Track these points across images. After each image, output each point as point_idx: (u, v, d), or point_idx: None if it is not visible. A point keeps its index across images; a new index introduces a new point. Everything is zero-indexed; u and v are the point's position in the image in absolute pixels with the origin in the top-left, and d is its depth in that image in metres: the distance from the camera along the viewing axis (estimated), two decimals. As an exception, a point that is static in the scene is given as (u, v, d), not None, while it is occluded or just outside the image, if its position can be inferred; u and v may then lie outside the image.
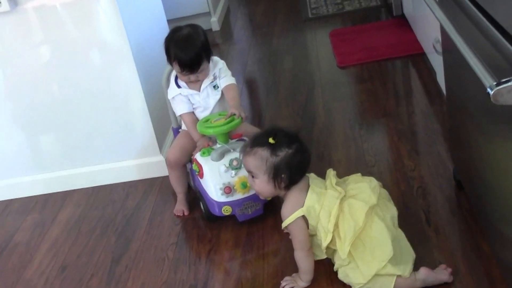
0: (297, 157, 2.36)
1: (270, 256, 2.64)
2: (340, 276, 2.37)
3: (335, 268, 2.39)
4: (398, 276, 2.26)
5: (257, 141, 2.42)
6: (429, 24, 3.63)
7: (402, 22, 4.89)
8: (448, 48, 2.48)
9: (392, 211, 2.41)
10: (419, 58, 4.24)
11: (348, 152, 3.28)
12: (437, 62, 3.57)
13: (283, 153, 2.35)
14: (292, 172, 2.37)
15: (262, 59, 4.97)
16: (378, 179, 2.55)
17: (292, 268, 2.48)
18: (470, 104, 2.22)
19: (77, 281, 2.74)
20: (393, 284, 2.26)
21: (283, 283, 2.43)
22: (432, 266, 2.30)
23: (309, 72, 4.48)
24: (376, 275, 2.26)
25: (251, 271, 2.58)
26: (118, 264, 2.79)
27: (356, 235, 2.27)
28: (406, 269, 2.27)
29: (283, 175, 2.35)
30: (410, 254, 2.34)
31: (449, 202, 2.71)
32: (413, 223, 2.61)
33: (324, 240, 2.33)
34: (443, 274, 2.28)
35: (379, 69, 4.26)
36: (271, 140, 2.35)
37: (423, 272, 2.28)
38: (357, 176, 2.48)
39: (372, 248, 2.27)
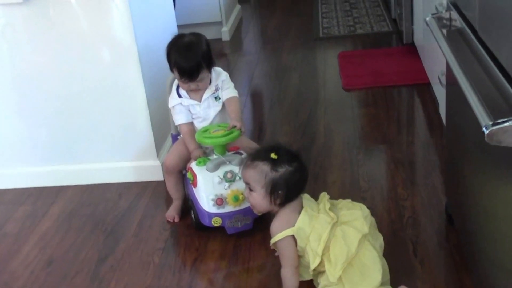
0: (296, 175, 2.38)
1: (254, 270, 2.65)
2: None
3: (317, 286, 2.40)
4: None
5: (259, 155, 2.43)
6: (436, 55, 3.64)
7: (412, 50, 4.91)
8: (452, 82, 2.49)
9: (380, 239, 2.43)
10: (424, 88, 4.26)
11: (343, 175, 3.28)
12: (441, 94, 3.58)
13: (283, 169, 2.36)
14: (289, 190, 2.38)
15: (269, 73, 4.99)
16: (370, 205, 2.56)
17: (276, 285, 2.49)
18: (467, 140, 2.23)
19: (62, 277, 2.74)
20: None
21: (264, 299, 2.43)
22: (414, 297, 2.31)
23: (314, 91, 4.49)
24: None
25: (234, 284, 2.58)
26: (104, 263, 2.80)
27: (349, 261, 2.28)
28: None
29: (280, 191, 2.37)
30: (388, 276, 2.36)
31: (438, 235, 2.71)
32: (399, 252, 2.62)
33: (313, 262, 2.33)
34: None
35: (384, 95, 4.28)
36: (273, 156, 2.37)
37: None
38: (347, 202, 2.49)
39: (362, 273, 2.28)
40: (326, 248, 2.30)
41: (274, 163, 2.37)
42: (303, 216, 2.35)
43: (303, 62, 5.14)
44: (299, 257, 2.42)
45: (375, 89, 4.39)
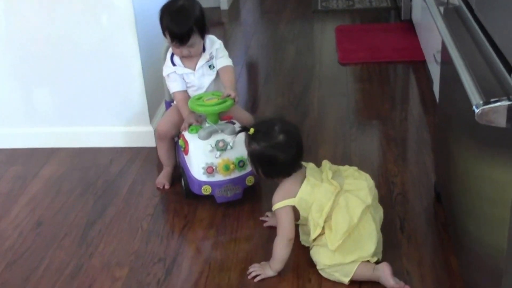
0: (265, 157, 2.39)
1: (242, 241, 2.66)
2: (312, 252, 2.41)
3: (310, 245, 2.43)
4: (364, 261, 2.31)
5: (254, 124, 2.48)
6: (433, 33, 3.64)
7: (409, 27, 4.90)
8: (446, 60, 2.48)
9: (380, 212, 2.46)
10: (420, 65, 4.25)
11: (335, 149, 3.29)
12: (435, 72, 3.58)
13: (254, 146, 2.40)
14: (265, 168, 2.42)
15: (266, 44, 4.98)
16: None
17: (262, 255, 2.50)
18: (458, 119, 2.23)
19: (50, 238, 2.75)
20: (354, 269, 2.30)
21: (250, 269, 2.44)
22: (398, 272, 2.32)
23: (309, 64, 4.48)
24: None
25: (221, 253, 2.59)
26: (92, 227, 2.80)
27: (350, 231, 2.30)
28: (374, 257, 2.33)
29: (257, 167, 2.41)
30: (381, 246, 2.38)
31: (426, 213, 2.73)
32: (387, 228, 2.62)
33: (313, 232, 2.36)
34: (399, 285, 2.27)
35: (379, 71, 4.27)
36: (251, 131, 2.39)
37: (384, 269, 2.29)
38: (354, 170, 2.49)
39: (356, 243, 2.31)
40: (328, 217, 2.32)
41: (250, 138, 2.41)
42: (304, 187, 2.37)
43: (300, 34, 5.12)
44: (302, 226, 2.45)
45: (371, 64, 4.38)
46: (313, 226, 2.35)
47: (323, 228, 2.33)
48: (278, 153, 2.36)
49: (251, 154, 2.42)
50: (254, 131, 2.40)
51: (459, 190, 2.24)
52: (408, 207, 2.77)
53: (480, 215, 1.92)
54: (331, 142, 3.36)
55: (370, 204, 2.35)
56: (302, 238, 2.51)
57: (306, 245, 2.51)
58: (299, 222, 2.43)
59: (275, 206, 2.38)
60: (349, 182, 2.40)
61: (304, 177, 2.39)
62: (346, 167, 2.52)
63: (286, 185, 2.41)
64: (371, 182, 2.45)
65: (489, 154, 1.81)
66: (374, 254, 2.32)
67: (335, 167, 2.48)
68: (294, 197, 2.36)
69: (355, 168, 2.51)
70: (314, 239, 2.41)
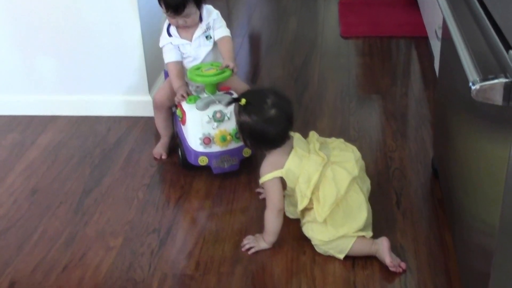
0: (257, 129, 2.36)
1: (238, 212, 2.66)
2: (305, 229, 2.40)
3: (302, 223, 2.42)
4: (360, 237, 2.30)
5: (244, 94, 2.46)
6: (435, 9, 3.61)
7: (412, 2, 4.87)
8: (447, 36, 2.46)
9: (367, 183, 2.46)
10: (422, 41, 4.23)
11: (333, 123, 3.28)
12: (437, 48, 3.55)
13: (244, 118, 2.37)
14: (254, 141, 2.40)
15: (268, 16, 4.95)
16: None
17: (257, 228, 2.50)
18: (456, 96, 2.22)
19: (45, 206, 2.75)
20: (352, 243, 2.31)
21: (244, 241, 2.44)
22: (392, 247, 2.31)
23: (311, 37, 4.46)
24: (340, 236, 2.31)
25: (216, 224, 2.59)
26: (88, 196, 2.80)
27: (337, 202, 2.29)
28: (369, 231, 2.33)
29: (245, 138, 2.40)
30: (371, 218, 2.38)
31: (422, 189, 2.72)
32: (383, 203, 2.63)
33: (301, 203, 2.35)
34: (394, 263, 2.27)
35: (381, 45, 4.25)
36: (242, 101, 2.37)
37: (383, 243, 2.29)
38: (340, 142, 2.49)
39: (347, 215, 2.30)
40: (315, 188, 2.31)
41: (240, 109, 2.38)
42: (292, 157, 2.35)
43: (303, 7, 5.09)
44: (288, 196, 2.44)
45: (373, 38, 4.36)
46: (300, 197, 2.34)
47: (311, 200, 2.33)
48: (268, 127, 2.33)
49: (241, 125, 2.40)
50: (246, 102, 2.37)
51: (456, 166, 2.23)
52: (405, 182, 2.77)
53: (475, 191, 1.92)
54: (330, 116, 3.34)
55: (357, 176, 2.35)
56: (288, 209, 2.50)
57: (291, 216, 2.51)
58: (286, 192, 2.41)
59: (263, 179, 2.37)
60: (336, 154, 2.39)
61: (292, 148, 2.37)
62: (333, 139, 2.51)
63: (273, 156, 2.39)
64: (358, 154, 2.44)
65: (485, 130, 1.80)
66: (365, 225, 2.32)
67: (321, 139, 2.47)
68: (282, 168, 2.35)
69: (342, 140, 2.51)
70: (303, 215, 2.41)
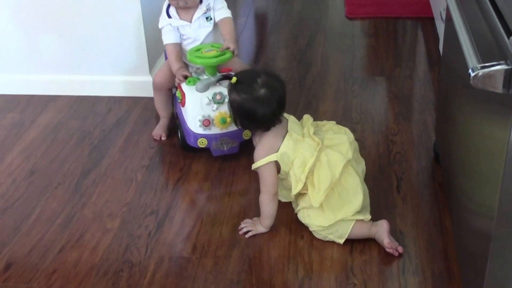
0: (245, 107, 2.34)
1: (236, 195, 2.64)
2: (300, 216, 2.39)
3: (297, 209, 2.40)
4: (358, 220, 2.29)
5: (238, 74, 2.45)
6: (442, -11, 3.57)
7: (419, -18, 4.81)
8: (451, 18, 2.42)
9: (362, 164, 2.44)
10: (428, 22, 4.18)
11: (336, 105, 3.24)
12: (442, 30, 3.51)
13: (234, 96, 2.36)
14: (243, 120, 2.38)
15: (272, -5, 4.90)
16: (359, 137, 2.52)
17: (255, 211, 2.47)
18: (458, 80, 2.18)
19: (43, 187, 2.73)
20: (351, 227, 2.29)
21: (242, 225, 2.42)
22: (391, 231, 2.29)
23: (316, 17, 4.41)
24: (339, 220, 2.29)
25: (214, 207, 2.57)
26: (87, 177, 2.78)
27: (332, 187, 2.27)
28: (367, 214, 2.31)
29: (235, 117, 2.39)
30: (368, 200, 2.37)
31: (423, 173, 2.69)
32: (383, 186, 2.60)
33: (295, 188, 2.32)
34: (392, 245, 2.26)
35: (387, 26, 4.20)
36: (233, 80, 2.37)
37: (383, 224, 2.28)
38: (333, 125, 2.47)
39: (342, 198, 2.29)
40: (310, 173, 2.29)
41: (231, 87, 2.38)
42: (287, 141, 2.33)
43: (308, -14, 5.04)
44: (281, 180, 2.41)
45: (379, 19, 4.31)
46: (295, 182, 2.32)
47: (305, 185, 2.30)
48: (257, 107, 2.31)
49: (231, 103, 2.39)
50: (236, 80, 2.36)
51: (456, 149, 2.20)
52: (406, 166, 2.74)
53: (475, 175, 1.89)
54: (333, 98, 3.31)
55: (351, 158, 2.33)
56: (281, 193, 2.46)
57: (284, 200, 2.49)
58: (279, 176, 2.39)
59: (258, 163, 2.34)
60: (329, 136, 2.37)
61: (286, 131, 2.35)
62: (325, 122, 2.49)
63: (267, 140, 2.36)
64: (351, 136, 2.42)
65: (486, 114, 1.77)
66: (363, 207, 2.30)
67: (315, 123, 2.44)
68: (276, 151, 2.32)
69: (334, 122, 2.49)
70: (297, 201, 2.40)
